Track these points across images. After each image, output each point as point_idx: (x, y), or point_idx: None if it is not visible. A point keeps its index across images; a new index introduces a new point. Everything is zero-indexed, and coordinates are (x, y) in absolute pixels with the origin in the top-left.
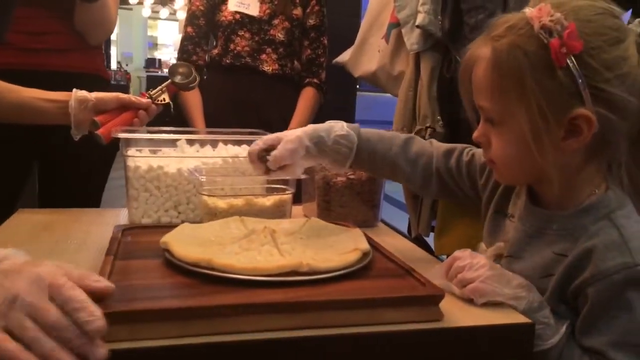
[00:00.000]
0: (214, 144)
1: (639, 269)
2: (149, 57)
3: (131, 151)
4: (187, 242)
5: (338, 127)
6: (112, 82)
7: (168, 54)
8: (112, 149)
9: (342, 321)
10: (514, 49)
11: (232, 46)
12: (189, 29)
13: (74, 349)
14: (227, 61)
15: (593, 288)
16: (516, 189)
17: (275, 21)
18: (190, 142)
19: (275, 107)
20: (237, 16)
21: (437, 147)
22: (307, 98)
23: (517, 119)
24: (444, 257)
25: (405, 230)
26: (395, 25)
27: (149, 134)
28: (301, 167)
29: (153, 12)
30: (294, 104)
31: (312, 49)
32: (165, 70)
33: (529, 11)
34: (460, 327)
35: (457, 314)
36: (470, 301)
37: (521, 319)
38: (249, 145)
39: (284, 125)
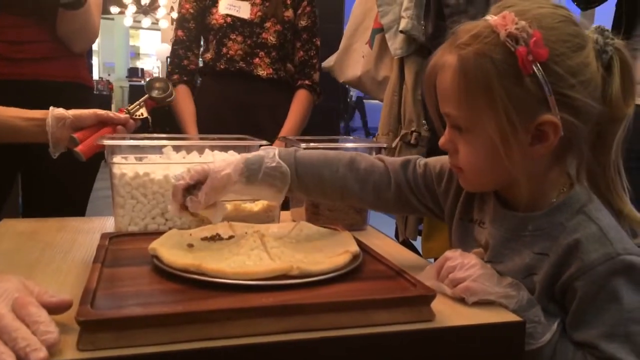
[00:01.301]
0: (200, 150)
1: (621, 258)
2: (131, 66)
3: (116, 158)
4: (175, 248)
5: (269, 157)
6: (95, 92)
7: (150, 64)
8: (96, 160)
9: (333, 324)
10: (480, 57)
11: (224, 50)
12: (180, 33)
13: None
14: (221, 66)
15: (580, 282)
16: (478, 194)
17: (267, 24)
18: (177, 149)
19: (269, 111)
20: (229, 19)
21: (392, 162)
22: (299, 101)
23: (485, 125)
24: (432, 260)
25: (392, 235)
26: (379, 30)
27: (134, 141)
28: (222, 210)
29: (135, 21)
30: (289, 107)
31: (305, 50)
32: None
33: (492, 19)
34: (452, 326)
35: (449, 314)
36: (462, 301)
37: (512, 317)
38: (236, 151)
39: (278, 129)
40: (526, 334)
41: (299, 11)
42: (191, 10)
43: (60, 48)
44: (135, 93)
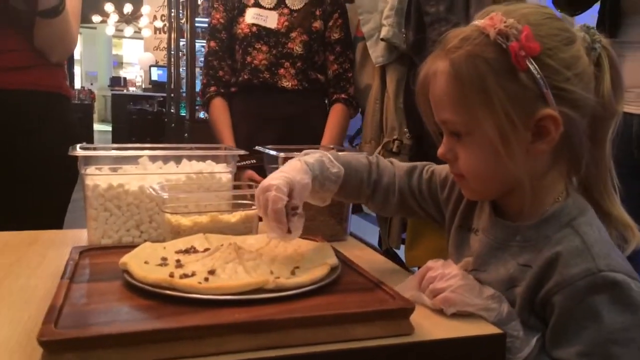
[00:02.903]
0: (177, 160)
1: (603, 274)
2: (114, 75)
3: (90, 169)
4: (147, 262)
5: (326, 161)
6: (76, 101)
7: (134, 73)
8: (75, 169)
9: (309, 339)
10: (473, 58)
11: (249, 59)
12: (212, 44)
13: None
14: (245, 76)
15: (559, 296)
16: (479, 203)
17: (293, 34)
18: (153, 159)
19: (302, 122)
20: (254, 29)
21: (399, 167)
22: (336, 114)
23: (484, 127)
24: (415, 268)
25: (376, 243)
26: (361, 39)
27: (108, 151)
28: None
29: (117, 30)
30: (321, 117)
31: (339, 63)
32: (132, 89)
33: (479, 22)
34: (431, 340)
35: (428, 327)
36: (442, 313)
37: (493, 329)
38: (214, 161)
39: (314, 140)
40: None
41: (330, 23)
42: (222, 20)
43: (37, 57)
44: (118, 102)
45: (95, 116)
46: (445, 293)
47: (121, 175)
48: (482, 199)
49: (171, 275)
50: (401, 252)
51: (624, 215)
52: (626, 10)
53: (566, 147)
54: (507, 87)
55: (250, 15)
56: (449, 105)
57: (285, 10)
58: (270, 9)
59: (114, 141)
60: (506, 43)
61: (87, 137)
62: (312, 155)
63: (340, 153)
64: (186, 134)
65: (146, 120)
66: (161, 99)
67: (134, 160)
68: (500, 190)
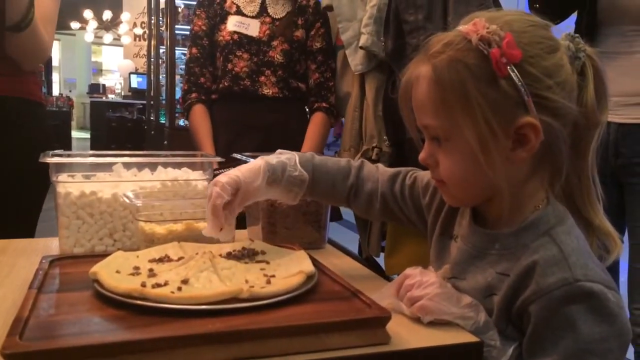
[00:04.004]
0: (152, 167)
1: (579, 284)
2: (93, 82)
3: (62, 177)
4: (118, 272)
5: (291, 165)
6: (54, 108)
7: (113, 80)
8: (46, 177)
9: (284, 349)
10: (454, 63)
11: (229, 66)
12: (194, 50)
13: None
14: (226, 83)
15: (535, 306)
16: (460, 209)
17: (275, 42)
18: (127, 166)
19: (282, 130)
20: (236, 36)
21: (383, 172)
22: (316, 123)
23: (464, 133)
24: (395, 276)
25: (356, 251)
26: (341, 47)
27: (80, 158)
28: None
29: (96, 37)
30: (301, 125)
31: (320, 72)
32: (111, 96)
33: (463, 28)
34: (407, 349)
35: (405, 336)
36: (419, 321)
37: (470, 338)
38: (189, 168)
39: (294, 148)
40: None
41: (312, 32)
42: (204, 27)
43: (8, 65)
44: (96, 110)
45: (74, 123)
46: (422, 301)
47: (94, 182)
48: (463, 205)
49: (143, 284)
50: (381, 259)
51: (606, 225)
52: (603, 20)
53: (547, 156)
54: (487, 93)
55: (232, 23)
56: (430, 110)
57: (267, 19)
58: (252, 17)
59: (92, 149)
60: (487, 49)
61: (65, 144)
62: (278, 156)
63: (318, 156)
64: (166, 142)
65: (125, 127)
66: (141, 106)
67: (108, 167)
68: (480, 197)
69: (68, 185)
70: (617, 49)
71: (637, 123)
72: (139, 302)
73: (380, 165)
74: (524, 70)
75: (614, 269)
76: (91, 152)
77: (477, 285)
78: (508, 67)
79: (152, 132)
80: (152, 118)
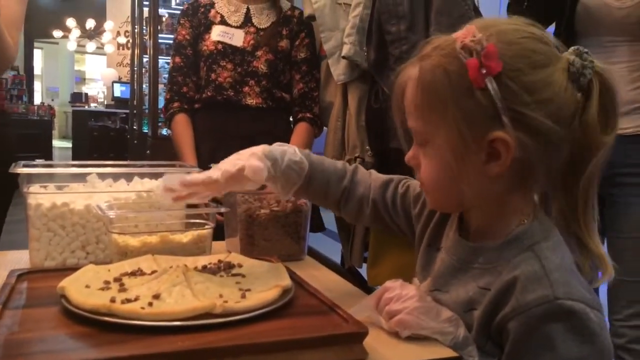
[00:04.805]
0: (128, 177)
1: (559, 302)
2: (75, 91)
3: (34, 188)
4: (88, 286)
5: (290, 151)
6: (35, 117)
7: (96, 88)
8: (9, 188)
9: None
10: (436, 68)
11: (213, 76)
12: (177, 59)
13: None
14: (209, 93)
15: (514, 322)
16: (449, 221)
17: (259, 53)
18: (102, 176)
19: (266, 140)
20: (220, 46)
21: (375, 178)
22: (300, 133)
23: (440, 139)
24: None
25: (339, 261)
26: (324, 57)
27: (52, 168)
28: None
29: (79, 45)
30: (284, 136)
31: (305, 82)
32: (93, 105)
33: (456, 33)
34: None
35: (382, 351)
36: (397, 336)
37: (448, 353)
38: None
39: None
40: None
41: (297, 42)
42: (187, 37)
43: None
44: (78, 119)
45: (56, 133)
46: (400, 315)
47: (66, 193)
48: (442, 210)
49: (112, 300)
50: (363, 270)
51: (600, 247)
52: (580, 31)
53: (528, 174)
54: (462, 103)
55: (216, 33)
56: (413, 113)
57: (252, 29)
58: (236, 27)
59: (74, 158)
60: (467, 58)
61: (46, 153)
62: (279, 146)
63: (315, 155)
64: (148, 151)
65: (108, 137)
66: (124, 115)
67: (82, 178)
68: (457, 205)
69: (39, 197)
70: (596, 59)
71: (617, 134)
72: (107, 318)
73: (373, 171)
74: (503, 83)
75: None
76: (64, 162)
77: (459, 299)
78: (486, 79)
79: (135, 142)
80: (135, 127)
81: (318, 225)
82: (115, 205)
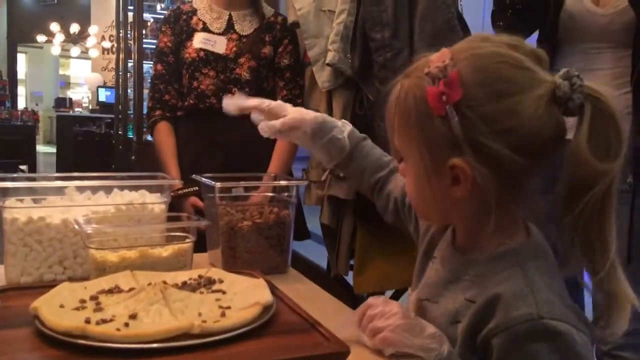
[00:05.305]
0: (107, 190)
1: (544, 322)
2: (60, 96)
3: (9, 201)
4: (62, 306)
5: (338, 129)
6: (19, 122)
7: (81, 93)
8: None
9: None
10: (408, 91)
11: (195, 84)
12: (159, 67)
13: None
14: (191, 101)
15: (497, 339)
16: (446, 232)
17: (242, 60)
18: (81, 189)
19: (249, 148)
20: (202, 54)
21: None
22: (284, 141)
23: (412, 159)
24: (364, 295)
25: (325, 268)
26: (309, 64)
27: (29, 182)
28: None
29: (64, 50)
30: (268, 143)
31: (288, 89)
32: (78, 110)
33: (433, 55)
34: None
35: None
36: (380, 353)
37: None
38: (147, 190)
39: (261, 166)
40: None
41: (280, 49)
42: (169, 44)
43: None
44: (63, 123)
45: (40, 138)
46: (383, 333)
47: (43, 207)
48: (429, 222)
49: (87, 320)
50: (349, 278)
51: (629, 292)
52: (565, 39)
53: (512, 197)
54: (425, 128)
55: (199, 40)
56: (394, 129)
57: (234, 36)
58: (219, 34)
59: (58, 163)
60: (429, 85)
61: (30, 159)
62: (333, 119)
63: (368, 141)
64: (133, 157)
65: (93, 142)
66: (109, 120)
67: (60, 191)
68: (441, 220)
69: (14, 211)
70: (579, 66)
71: None
72: (81, 341)
73: None
74: (462, 112)
75: (577, 288)
76: (43, 174)
77: (447, 310)
78: (447, 107)
79: (120, 147)
80: (120, 132)
81: (302, 234)
82: (94, 219)
